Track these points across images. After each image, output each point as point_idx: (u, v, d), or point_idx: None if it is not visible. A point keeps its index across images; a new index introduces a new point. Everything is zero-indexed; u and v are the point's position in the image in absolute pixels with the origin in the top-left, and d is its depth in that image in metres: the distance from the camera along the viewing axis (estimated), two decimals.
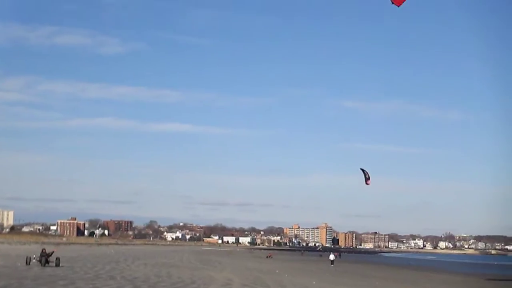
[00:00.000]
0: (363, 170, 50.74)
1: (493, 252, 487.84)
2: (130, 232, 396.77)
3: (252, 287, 45.22)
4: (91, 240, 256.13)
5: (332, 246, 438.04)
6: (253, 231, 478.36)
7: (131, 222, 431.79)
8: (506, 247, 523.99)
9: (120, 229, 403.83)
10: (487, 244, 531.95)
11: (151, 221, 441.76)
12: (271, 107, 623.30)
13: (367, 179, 49.99)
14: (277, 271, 72.51)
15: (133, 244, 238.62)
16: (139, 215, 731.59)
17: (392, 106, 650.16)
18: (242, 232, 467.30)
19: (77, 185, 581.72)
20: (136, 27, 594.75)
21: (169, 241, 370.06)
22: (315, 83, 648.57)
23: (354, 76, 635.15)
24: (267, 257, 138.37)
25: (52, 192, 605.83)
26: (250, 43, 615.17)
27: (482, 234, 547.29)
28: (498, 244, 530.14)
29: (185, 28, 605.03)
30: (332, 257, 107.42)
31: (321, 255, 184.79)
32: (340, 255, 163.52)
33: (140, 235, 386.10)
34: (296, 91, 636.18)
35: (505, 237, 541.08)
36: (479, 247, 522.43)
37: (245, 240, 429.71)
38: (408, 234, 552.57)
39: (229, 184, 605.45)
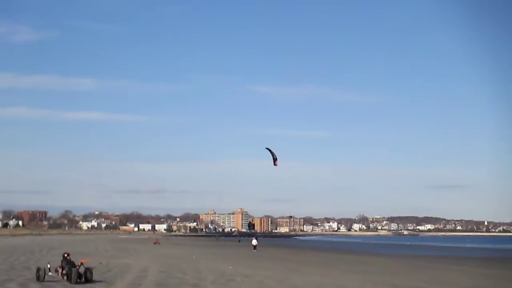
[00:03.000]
0: (270, 150, 49.77)
1: (405, 232, 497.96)
2: (45, 222, 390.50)
3: (168, 273, 45.19)
4: (5, 231, 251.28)
5: (248, 231, 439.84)
6: (169, 218, 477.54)
7: (45, 212, 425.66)
8: (418, 227, 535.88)
9: (35, 219, 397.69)
10: (399, 225, 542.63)
11: (66, 211, 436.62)
12: (185, 94, 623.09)
13: (274, 160, 49.33)
14: (194, 257, 72.53)
15: (48, 234, 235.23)
16: (54, 205, 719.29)
17: (305, 90, 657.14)
18: (158, 219, 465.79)
19: None
20: (48, 15, 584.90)
21: (85, 230, 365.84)
22: (230, 69, 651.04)
23: (267, 61, 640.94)
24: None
25: None
26: (165, 30, 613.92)
27: (394, 215, 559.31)
28: (410, 225, 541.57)
29: (97, 14, 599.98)
30: (254, 242, 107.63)
31: (239, 241, 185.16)
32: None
33: (55, 225, 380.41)
34: (211, 78, 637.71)
35: (417, 217, 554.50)
36: (392, 228, 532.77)
37: (161, 227, 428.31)
38: (323, 217, 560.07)
39: (144, 172, 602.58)
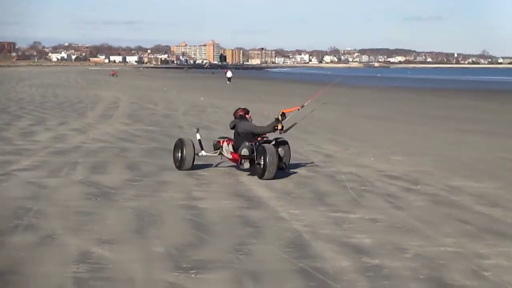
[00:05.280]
0: None
1: (376, 64, 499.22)
2: (14, 54, 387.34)
3: (140, 104, 45.07)
4: None
5: (220, 63, 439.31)
6: (140, 50, 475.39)
7: (14, 44, 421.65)
8: (389, 59, 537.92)
9: (3, 50, 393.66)
10: (370, 57, 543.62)
11: (35, 42, 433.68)
12: None
13: None
14: (165, 88, 72.40)
15: (17, 66, 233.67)
16: (23, 36, 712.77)
17: None
18: (129, 51, 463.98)
19: None
20: None
21: (54, 62, 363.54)
22: None
23: None
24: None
25: None
26: None
27: (366, 47, 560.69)
28: (381, 57, 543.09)
29: None
30: (229, 74, 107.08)
31: (213, 72, 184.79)
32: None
33: (24, 56, 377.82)
34: None
35: (388, 49, 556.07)
36: (363, 60, 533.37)
37: (132, 59, 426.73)
38: (295, 49, 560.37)
39: (115, 1, 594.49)
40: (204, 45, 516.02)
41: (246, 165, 17.15)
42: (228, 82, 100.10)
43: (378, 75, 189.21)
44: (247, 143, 17.15)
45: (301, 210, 13.18)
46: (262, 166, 16.36)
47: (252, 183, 15.95)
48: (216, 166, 18.52)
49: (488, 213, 13.30)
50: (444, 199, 14.76)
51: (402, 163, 20.28)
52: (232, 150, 17.54)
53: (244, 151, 17.09)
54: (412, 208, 13.60)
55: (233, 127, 17.79)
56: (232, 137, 17.87)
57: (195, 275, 8.93)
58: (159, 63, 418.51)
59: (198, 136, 18.60)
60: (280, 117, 17.48)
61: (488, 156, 22.46)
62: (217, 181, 16.19)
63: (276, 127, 17.36)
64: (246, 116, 17.97)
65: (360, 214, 12.89)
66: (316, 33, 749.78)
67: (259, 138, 17.43)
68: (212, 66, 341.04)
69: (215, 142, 18.20)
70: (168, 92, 63.49)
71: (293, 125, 18.02)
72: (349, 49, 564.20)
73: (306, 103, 17.96)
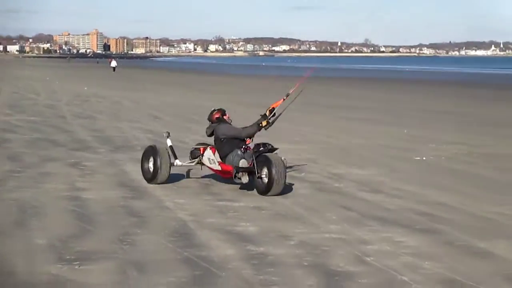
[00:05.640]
0: None
1: (261, 53, 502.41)
2: None
3: (21, 94, 44.16)
4: None
5: (103, 52, 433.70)
6: (21, 39, 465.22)
7: None
8: (273, 48, 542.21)
9: None
10: (255, 46, 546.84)
11: None
12: None
13: None
14: (47, 78, 71.03)
15: None
16: None
17: None
18: (9, 40, 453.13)
19: None
20: None
21: None
22: None
23: None
24: None
25: None
26: None
27: (250, 36, 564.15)
28: (266, 46, 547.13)
29: None
30: (114, 63, 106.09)
31: (98, 62, 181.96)
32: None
33: None
34: None
35: (272, 38, 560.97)
36: (248, 49, 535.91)
37: (13, 49, 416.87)
38: (179, 38, 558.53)
39: None
40: (88, 34, 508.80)
41: (245, 179, 13.68)
42: (113, 72, 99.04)
43: (263, 64, 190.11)
44: (239, 151, 14.14)
45: (186, 199, 13.17)
46: (267, 181, 13.49)
47: (137, 173, 15.76)
48: (188, 177, 15.75)
49: (371, 200, 13.57)
50: (328, 186, 15.00)
51: (286, 151, 20.46)
52: (219, 160, 14.29)
53: (243, 162, 13.91)
54: (297, 196, 13.74)
55: (211, 134, 14.85)
56: (208, 143, 15.17)
57: (79, 266, 8.81)
58: (41, 53, 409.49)
59: (169, 142, 15.26)
60: (268, 113, 14.65)
61: (371, 144, 22.91)
62: (101, 171, 15.99)
63: (261, 125, 14.45)
64: (224, 117, 14.87)
65: (244, 203, 12.95)
66: (200, 22, 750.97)
67: (247, 141, 14.44)
68: (96, 56, 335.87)
69: (193, 149, 15.19)
70: (51, 82, 62.35)
71: (278, 116, 14.85)
72: (234, 38, 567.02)
73: (291, 91, 15.71)
